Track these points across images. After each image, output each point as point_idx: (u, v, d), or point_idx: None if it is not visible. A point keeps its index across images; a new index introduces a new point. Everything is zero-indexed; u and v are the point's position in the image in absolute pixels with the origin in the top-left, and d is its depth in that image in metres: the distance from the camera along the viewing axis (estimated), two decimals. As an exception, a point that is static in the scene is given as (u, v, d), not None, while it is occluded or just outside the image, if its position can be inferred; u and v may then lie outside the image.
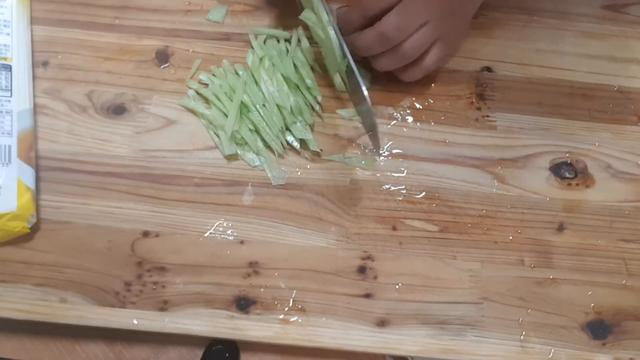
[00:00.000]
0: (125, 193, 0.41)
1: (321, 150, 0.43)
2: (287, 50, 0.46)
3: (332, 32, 0.42)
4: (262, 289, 0.39)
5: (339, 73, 0.44)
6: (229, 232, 0.41)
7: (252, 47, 0.46)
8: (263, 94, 0.44)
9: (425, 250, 0.41)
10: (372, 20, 0.41)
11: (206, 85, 0.45)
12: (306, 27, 0.46)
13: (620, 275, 0.41)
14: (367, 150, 0.44)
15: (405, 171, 0.44)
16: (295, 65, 0.45)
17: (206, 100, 0.45)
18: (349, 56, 0.42)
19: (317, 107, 0.45)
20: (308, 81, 0.44)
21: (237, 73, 0.45)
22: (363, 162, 0.43)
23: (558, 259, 0.41)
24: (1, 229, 0.38)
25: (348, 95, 0.46)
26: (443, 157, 0.44)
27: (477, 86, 0.47)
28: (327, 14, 0.42)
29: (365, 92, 0.40)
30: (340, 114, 0.44)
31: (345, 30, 0.44)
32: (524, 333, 0.39)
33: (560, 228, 0.42)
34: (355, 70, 0.41)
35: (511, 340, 0.39)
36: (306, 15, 0.44)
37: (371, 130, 0.41)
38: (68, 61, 0.46)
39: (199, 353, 0.40)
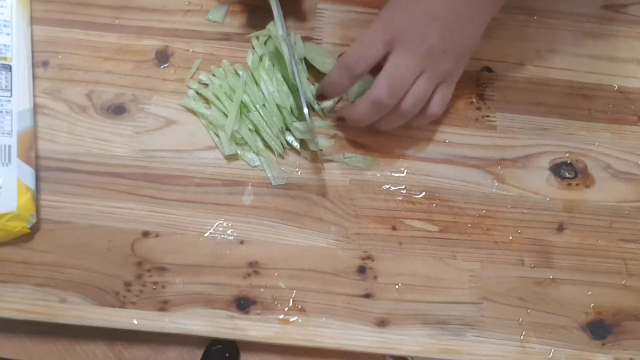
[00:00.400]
0: (125, 193, 0.41)
1: (321, 150, 0.43)
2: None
3: (284, 46, 0.42)
4: (262, 289, 0.39)
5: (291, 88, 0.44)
6: (229, 232, 0.41)
7: (253, 47, 0.46)
8: (263, 94, 0.44)
9: (425, 250, 0.41)
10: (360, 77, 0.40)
11: (206, 85, 0.45)
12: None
13: (620, 275, 0.41)
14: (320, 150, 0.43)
15: (405, 171, 0.44)
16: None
17: (206, 100, 0.45)
18: (297, 77, 0.41)
19: (317, 107, 0.45)
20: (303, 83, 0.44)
21: (237, 73, 0.45)
22: (363, 162, 0.43)
23: (558, 259, 0.41)
24: (1, 229, 0.38)
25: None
26: (443, 157, 0.44)
27: (477, 86, 0.47)
28: (283, 28, 0.42)
29: (306, 113, 0.39)
30: (296, 127, 0.43)
31: (335, 93, 0.42)
32: (524, 333, 0.39)
33: (560, 228, 0.42)
34: (301, 93, 0.40)
35: (511, 340, 0.39)
36: (269, 28, 0.45)
37: (314, 145, 0.42)
38: (68, 61, 0.46)
39: (199, 353, 0.40)
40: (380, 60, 0.39)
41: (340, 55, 0.45)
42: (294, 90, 0.44)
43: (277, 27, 0.42)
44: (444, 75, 0.40)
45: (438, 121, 0.45)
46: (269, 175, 0.43)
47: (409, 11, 0.37)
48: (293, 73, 0.41)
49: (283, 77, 0.44)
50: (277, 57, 0.45)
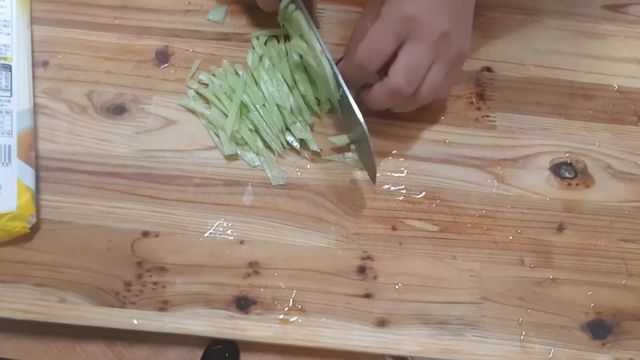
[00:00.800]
0: (125, 193, 0.41)
1: (321, 150, 0.43)
2: (287, 51, 0.46)
3: (325, 62, 0.41)
4: (262, 289, 0.39)
5: (331, 100, 0.43)
6: (229, 232, 0.41)
7: (253, 47, 0.46)
8: (263, 94, 0.44)
9: (425, 250, 0.41)
10: (375, 74, 0.39)
11: (206, 85, 0.45)
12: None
13: (620, 275, 0.41)
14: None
15: (405, 171, 0.44)
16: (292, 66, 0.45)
17: (206, 100, 0.45)
18: (345, 87, 0.40)
19: (315, 108, 0.45)
20: (300, 86, 0.44)
21: (237, 73, 0.45)
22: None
23: (558, 259, 0.41)
24: (1, 229, 0.38)
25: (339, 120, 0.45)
26: (443, 157, 0.44)
27: (477, 86, 0.47)
28: (320, 42, 0.41)
29: (364, 125, 0.38)
30: (332, 141, 0.43)
31: (349, 85, 0.41)
32: (524, 333, 0.39)
33: (560, 228, 0.42)
34: (353, 104, 0.39)
35: (511, 340, 0.39)
36: (296, 44, 0.43)
37: (369, 164, 0.40)
38: (68, 61, 0.46)
39: (199, 353, 0.40)
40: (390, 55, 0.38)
41: (338, 62, 0.43)
42: (342, 101, 0.41)
43: (312, 41, 0.41)
44: (455, 59, 0.40)
45: (438, 121, 0.45)
46: (269, 175, 0.43)
47: (417, 2, 0.38)
48: (338, 86, 0.40)
49: (283, 77, 0.44)
50: (278, 57, 0.45)
